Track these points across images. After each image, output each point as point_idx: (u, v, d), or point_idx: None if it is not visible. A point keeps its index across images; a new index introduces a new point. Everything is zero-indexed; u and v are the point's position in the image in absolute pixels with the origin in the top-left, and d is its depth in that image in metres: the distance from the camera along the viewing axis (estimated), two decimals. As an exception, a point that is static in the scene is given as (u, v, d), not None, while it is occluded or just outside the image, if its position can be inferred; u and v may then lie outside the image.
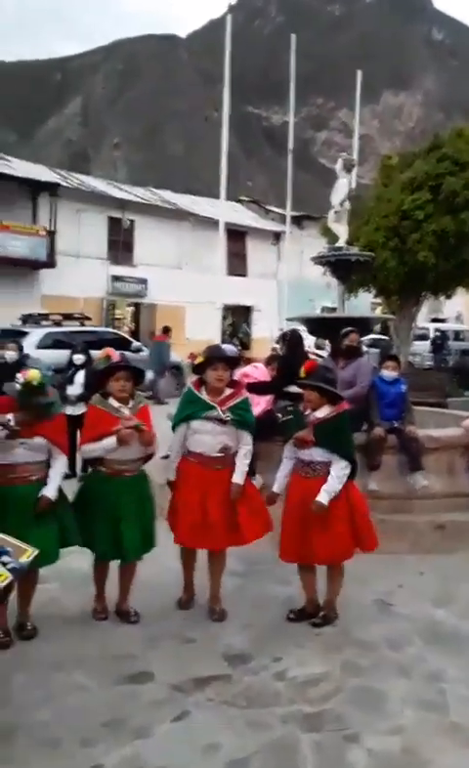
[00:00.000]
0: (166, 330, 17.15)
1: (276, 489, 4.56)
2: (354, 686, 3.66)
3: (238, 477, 4.40)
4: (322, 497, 4.23)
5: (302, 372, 4.47)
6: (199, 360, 4.49)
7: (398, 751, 3.11)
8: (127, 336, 18.46)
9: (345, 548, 4.33)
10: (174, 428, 4.51)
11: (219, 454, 4.39)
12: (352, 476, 4.41)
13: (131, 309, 27.49)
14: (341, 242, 9.04)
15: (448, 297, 18.75)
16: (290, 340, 7.48)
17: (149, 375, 15.45)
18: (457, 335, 25.42)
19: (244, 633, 4.26)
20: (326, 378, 4.50)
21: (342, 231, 9.16)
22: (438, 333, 23.89)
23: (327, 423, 4.34)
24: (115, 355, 4.33)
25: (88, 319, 17.01)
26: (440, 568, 5.54)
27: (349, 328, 6.77)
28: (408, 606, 4.77)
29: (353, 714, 3.39)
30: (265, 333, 26.83)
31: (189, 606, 4.59)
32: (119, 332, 19.34)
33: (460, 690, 3.66)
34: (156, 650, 4.02)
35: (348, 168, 9.47)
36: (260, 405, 6.48)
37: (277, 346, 8.11)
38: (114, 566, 4.45)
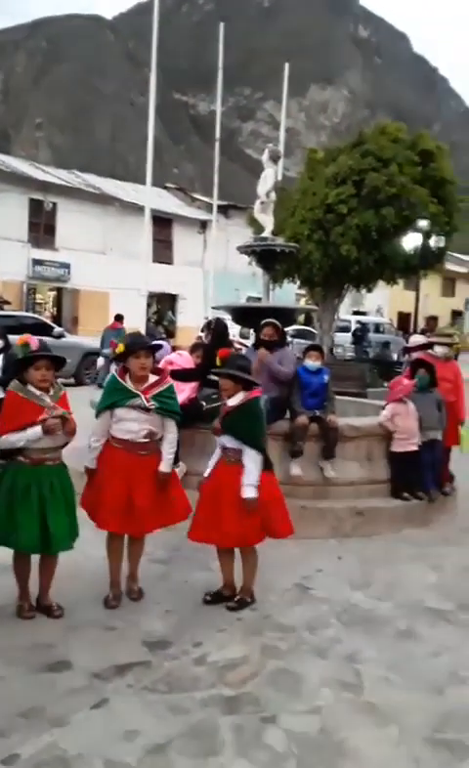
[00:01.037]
0: (119, 318, 16.85)
1: (206, 474, 4.57)
2: (272, 669, 3.71)
3: (165, 465, 4.39)
4: (249, 492, 4.27)
5: (218, 361, 4.48)
6: (121, 348, 4.43)
7: (315, 731, 3.16)
8: (49, 321, 18.08)
9: (252, 533, 4.37)
10: (97, 415, 4.44)
11: (144, 440, 4.37)
12: (266, 465, 4.46)
13: (53, 294, 26.92)
14: (267, 233, 9.07)
15: (370, 290, 19.16)
16: (215, 328, 7.48)
17: (101, 362, 15.22)
18: (377, 328, 26.02)
19: (165, 619, 4.25)
20: (240, 366, 4.52)
21: (268, 221, 9.19)
22: (359, 325, 24.38)
23: (237, 411, 4.39)
24: (34, 342, 4.19)
25: (7, 303, 16.57)
26: (358, 552, 5.67)
27: (266, 321, 6.80)
28: (327, 589, 4.86)
29: (271, 696, 3.43)
30: (191, 322, 26.77)
31: (116, 605, 4.42)
32: (40, 317, 18.91)
33: (375, 670, 3.76)
34: (76, 638, 3.95)
35: (274, 159, 9.49)
36: (184, 392, 6.46)
37: (202, 334, 8.08)
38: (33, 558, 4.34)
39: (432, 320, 19.33)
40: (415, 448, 6.51)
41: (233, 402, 4.44)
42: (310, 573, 5.17)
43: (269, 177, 9.26)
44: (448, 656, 3.99)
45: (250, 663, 3.75)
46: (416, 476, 6.57)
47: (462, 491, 7.35)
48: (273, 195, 9.30)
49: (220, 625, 4.19)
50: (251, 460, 4.34)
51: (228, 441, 4.41)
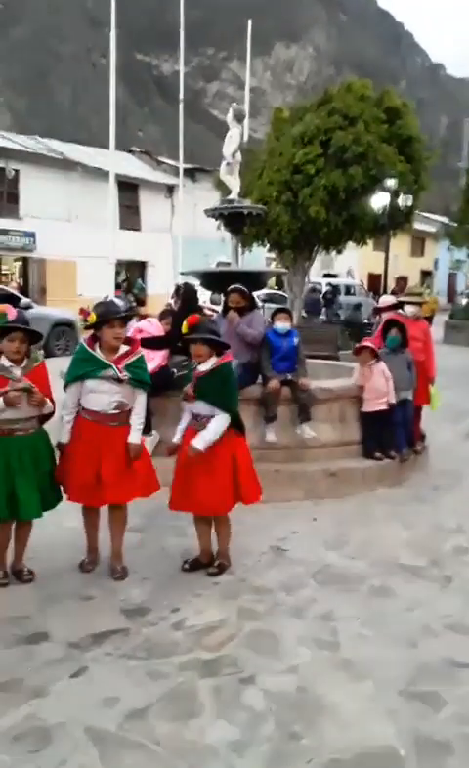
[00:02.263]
0: (119, 287, 16.57)
1: (175, 439, 4.55)
2: (250, 630, 3.75)
3: (134, 436, 4.35)
4: (197, 442, 4.26)
5: (184, 328, 4.43)
6: (93, 317, 4.35)
7: (293, 690, 3.22)
8: (15, 292, 17.75)
9: (224, 500, 4.38)
10: (66, 387, 4.38)
11: (114, 411, 4.32)
12: (239, 429, 4.46)
13: (19, 264, 26.42)
14: (233, 195, 8.93)
15: (339, 252, 19.05)
16: (184, 294, 7.39)
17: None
18: (348, 290, 25.98)
19: (142, 587, 4.27)
20: (212, 330, 4.48)
21: (234, 183, 9.04)
22: (329, 288, 24.31)
23: (209, 376, 4.35)
24: (12, 312, 4.09)
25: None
26: (332, 513, 5.73)
27: (232, 287, 6.72)
28: (302, 551, 4.91)
29: (249, 658, 3.47)
30: (160, 289, 26.50)
31: (91, 568, 4.48)
32: (6, 288, 18.57)
33: (351, 627, 3.82)
34: (53, 609, 3.96)
35: (239, 119, 9.29)
36: (154, 360, 6.41)
37: (172, 300, 7.98)
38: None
39: (401, 281, 19.31)
40: (385, 407, 6.54)
41: (204, 367, 4.41)
42: (285, 535, 5.21)
43: (234, 137, 9.07)
44: (421, 610, 4.06)
45: (228, 626, 3.79)
46: (388, 436, 6.62)
47: (433, 450, 7.44)
48: (238, 156, 9.13)
49: (197, 591, 4.22)
50: (217, 421, 4.32)
51: (200, 407, 4.38)
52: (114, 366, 4.26)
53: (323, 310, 21.77)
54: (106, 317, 4.28)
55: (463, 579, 4.52)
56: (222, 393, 4.41)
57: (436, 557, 4.88)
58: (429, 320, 20.74)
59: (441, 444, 7.76)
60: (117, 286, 15.64)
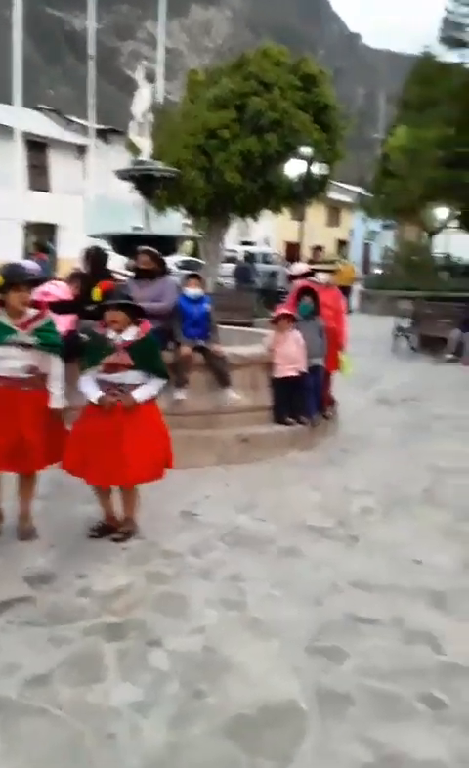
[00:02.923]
0: (42, 249, 15.81)
1: (93, 399, 4.32)
2: (158, 593, 3.74)
3: (55, 402, 4.25)
4: (139, 395, 4.24)
5: (96, 294, 4.32)
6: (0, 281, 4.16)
7: (199, 650, 3.23)
8: None
9: (155, 467, 4.34)
10: None
11: (27, 376, 4.19)
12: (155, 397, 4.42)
13: None
14: (144, 156, 8.71)
15: (255, 219, 19.01)
16: (93, 257, 7.19)
17: None
18: (265, 258, 26.02)
19: (48, 554, 4.18)
20: (125, 297, 4.39)
21: (145, 144, 8.82)
22: (246, 255, 24.29)
23: (139, 344, 4.27)
24: None
25: None
26: (244, 477, 5.77)
27: (142, 248, 6.59)
28: (213, 514, 4.93)
29: (157, 620, 3.46)
30: (72, 252, 25.76)
31: None
32: None
33: (259, 587, 3.87)
34: (-47, 579, 3.83)
35: (150, 77, 9.07)
36: (63, 325, 6.22)
37: (81, 264, 7.76)
38: None
39: (318, 250, 19.42)
40: (296, 373, 6.59)
41: (128, 336, 4.31)
42: (197, 499, 5.21)
43: (144, 96, 8.84)
44: (328, 569, 4.15)
45: (135, 590, 3.76)
46: (299, 401, 6.69)
47: (344, 415, 7.59)
48: (149, 116, 8.91)
49: (105, 557, 4.17)
50: (154, 386, 4.36)
51: (131, 377, 4.29)
52: (20, 331, 4.13)
53: (247, 278, 21.75)
54: (12, 280, 4.13)
55: (368, 539, 4.65)
56: (153, 361, 4.40)
57: (343, 518, 4.99)
58: (347, 289, 21.18)
59: (351, 409, 7.92)
60: (43, 249, 15.00)
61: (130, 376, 4.31)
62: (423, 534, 4.75)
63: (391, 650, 3.32)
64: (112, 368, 4.30)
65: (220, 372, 6.34)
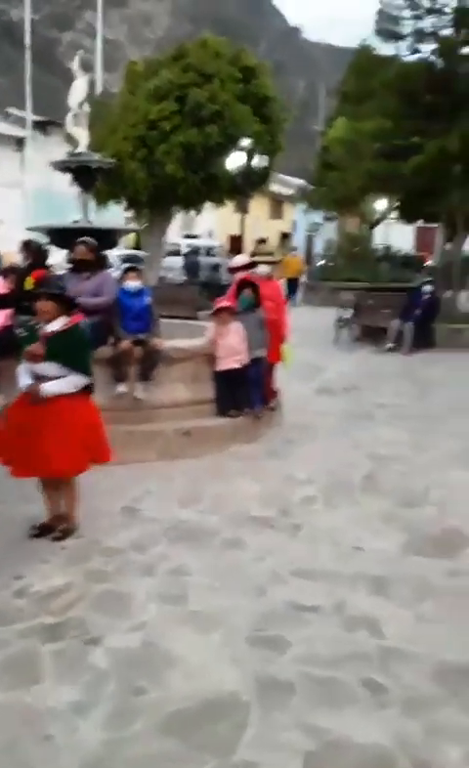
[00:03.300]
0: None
1: (21, 386, 4.25)
2: (98, 592, 3.69)
3: None
4: (49, 387, 4.12)
5: (29, 283, 4.21)
6: None
7: (139, 647, 3.20)
8: None
9: (75, 462, 4.25)
10: None
11: None
12: (89, 391, 4.32)
13: None
14: (81, 148, 8.56)
15: (198, 212, 18.91)
16: (33, 251, 7.06)
17: None
18: (209, 251, 25.93)
19: (-15, 556, 4.08)
20: (59, 287, 4.29)
21: (82, 135, 8.66)
22: (189, 249, 24.16)
23: (61, 336, 4.17)
24: None
25: None
26: (187, 471, 5.73)
27: (79, 239, 6.47)
28: (156, 509, 4.89)
29: (96, 619, 3.41)
30: (11, 247, 25.21)
31: None
32: None
33: (201, 580, 3.85)
34: None
35: (86, 67, 8.91)
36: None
37: (22, 257, 7.61)
38: None
39: (261, 243, 19.52)
40: (238, 365, 6.58)
41: (54, 326, 4.20)
42: (139, 495, 5.16)
43: (80, 86, 8.69)
44: (271, 559, 4.16)
45: (74, 589, 3.70)
46: (242, 393, 6.68)
47: (287, 405, 7.61)
48: (86, 107, 8.75)
49: (43, 556, 4.09)
50: (70, 380, 4.18)
51: (48, 369, 4.19)
52: None
53: (183, 271, 21.64)
54: None
55: (311, 527, 4.67)
56: (75, 355, 4.24)
57: (286, 507, 5.00)
58: (295, 281, 21.26)
59: (294, 400, 7.95)
60: None
61: (48, 368, 4.17)
62: (364, 521, 4.80)
63: (332, 637, 3.35)
64: (32, 358, 4.18)
65: (147, 367, 6.24)
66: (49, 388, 4.12)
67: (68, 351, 4.20)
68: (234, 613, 3.52)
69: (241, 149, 16.36)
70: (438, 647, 3.26)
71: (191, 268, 20.69)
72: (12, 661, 3.04)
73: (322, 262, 27.94)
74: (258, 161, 17.11)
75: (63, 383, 4.15)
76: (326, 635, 3.36)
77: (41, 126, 26.74)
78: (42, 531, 4.38)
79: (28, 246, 7.87)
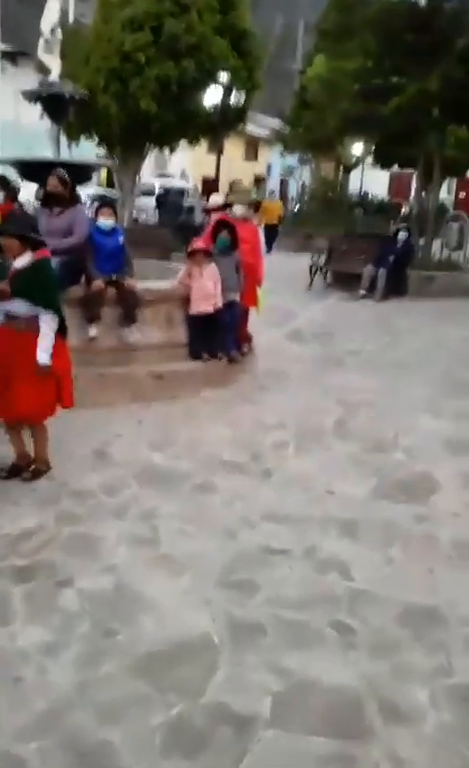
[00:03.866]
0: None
1: None
2: (68, 534, 3.67)
3: None
4: (43, 358, 4.05)
5: None
6: None
7: (110, 588, 3.19)
8: None
9: (47, 406, 4.21)
10: None
11: None
12: (62, 331, 4.21)
13: None
14: (53, 77, 8.17)
15: (172, 151, 18.35)
16: (8, 185, 6.80)
17: None
18: (182, 193, 25.32)
19: (-47, 498, 4.02)
20: (26, 224, 4.12)
21: (54, 63, 8.26)
22: (162, 191, 23.57)
23: (25, 272, 4.03)
24: None
25: None
26: (159, 415, 5.68)
27: (53, 171, 6.21)
28: (126, 453, 4.85)
29: (66, 561, 3.39)
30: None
31: None
32: None
33: (171, 524, 3.84)
34: None
35: (58, -9, 8.41)
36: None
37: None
38: None
39: (235, 185, 19.09)
40: (211, 309, 6.46)
41: (20, 263, 4.06)
42: (109, 438, 5.10)
43: (52, 10, 8.23)
44: (241, 503, 4.16)
45: (45, 531, 3.68)
46: (216, 337, 6.59)
47: (260, 351, 7.55)
48: (58, 33, 8.31)
49: (14, 498, 4.05)
50: (47, 324, 4.08)
51: (18, 306, 4.06)
52: None
53: (156, 212, 21.15)
54: None
55: (281, 472, 4.68)
56: (43, 291, 4.13)
57: (257, 452, 5.00)
58: (274, 227, 20.83)
59: (267, 345, 7.88)
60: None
61: (16, 305, 4.08)
62: (335, 466, 4.83)
63: (302, 579, 3.38)
64: (2, 295, 4.07)
65: (129, 308, 6.13)
66: (43, 354, 4.03)
67: (36, 287, 4.08)
68: (204, 556, 3.52)
69: (218, 85, 15.80)
70: (405, 590, 3.31)
71: (173, 209, 20.18)
72: (-19, 602, 3.01)
73: (296, 207, 27.46)
74: (235, 98, 16.56)
75: (46, 338, 4.04)
76: (296, 578, 3.39)
77: (10, 57, 25.50)
78: (10, 472, 4.32)
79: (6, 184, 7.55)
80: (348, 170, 27.73)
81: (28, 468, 4.33)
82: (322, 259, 13.97)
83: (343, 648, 2.88)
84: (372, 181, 30.73)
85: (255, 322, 7.63)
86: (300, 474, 4.66)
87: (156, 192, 23.17)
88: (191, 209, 21.09)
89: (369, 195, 27.28)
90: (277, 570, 3.45)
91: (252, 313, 7.44)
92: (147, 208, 21.13)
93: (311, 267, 13.83)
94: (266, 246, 15.31)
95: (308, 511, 4.10)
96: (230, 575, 3.37)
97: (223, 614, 3.04)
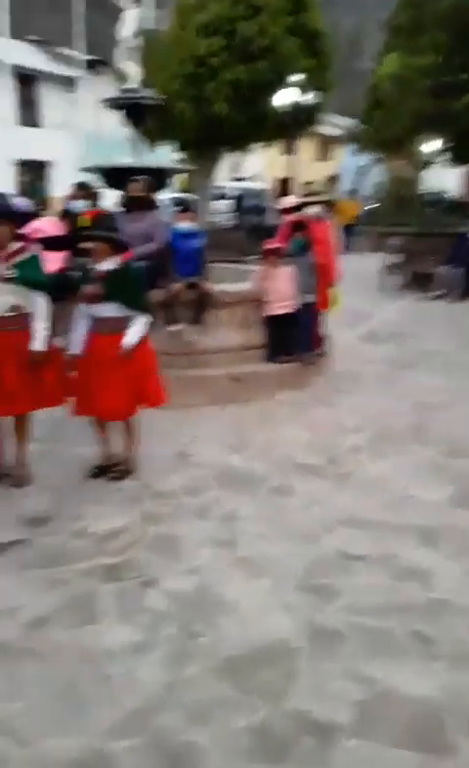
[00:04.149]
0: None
1: (74, 350, 4.33)
2: (153, 534, 3.76)
3: (37, 343, 4.12)
4: (127, 341, 4.20)
5: (84, 221, 4.19)
6: None
7: (193, 590, 3.26)
8: None
9: (128, 405, 4.32)
10: None
11: (10, 314, 4.08)
12: (147, 333, 4.34)
13: None
14: (132, 83, 8.34)
15: (245, 153, 18.45)
16: (91, 192, 7.01)
17: None
18: (256, 194, 25.36)
19: (44, 496, 4.18)
20: (114, 228, 4.25)
21: (133, 69, 8.43)
22: (238, 192, 23.70)
23: (115, 275, 4.16)
24: None
25: None
26: (236, 417, 5.75)
27: (134, 177, 6.38)
28: (205, 455, 4.93)
29: (152, 561, 3.49)
30: (64, 188, 24.84)
31: None
32: None
33: (250, 527, 3.89)
34: None
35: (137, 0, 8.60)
36: (55, 263, 6.06)
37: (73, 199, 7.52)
38: None
39: (309, 186, 19.06)
40: (289, 310, 6.49)
41: (107, 266, 4.20)
42: (188, 440, 5.20)
43: (131, 18, 8.41)
44: (319, 507, 4.17)
45: (131, 531, 3.78)
46: (292, 339, 6.61)
47: (335, 353, 7.53)
48: (137, 40, 8.48)
49: (100, 498, 4.18)
50: (139, 323, 4.24)
51: (108, 309, 4.20)
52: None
53: (237, 215, 21.28)
54: None
55: (358, 476, 4.67)
56: (134, 293, 4.28)
57: (333, 456, 4.99)
58: (351, 227, 20.64)
59: (341, 347, 7.85)
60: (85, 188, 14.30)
61: (107, 308, 4.21)
62: (413, 471, 4.77)
63: (381, 587, 3.36)
64: (89, 299, 4.21)
65: (198, 310, 6.23)
66: (129, 341, 4.17)
67: (125, 289, 4.21)
68: (282, 559, 3.55)
69: (291, 86, 15.79)
70: (487, 601, 3.26)
71: (249, 211, 20.31)
72: (71, 600, 3.13)
73: (370, 206, 27.12)
74: (308, 98, 16.51)
75: (136, 330, 4.18)
76: (375, 585, 3.38)
77: (91, 66, 26.04)
78: (100, 472, 4.47)
79: (82, 188, 7.79)
80: (421, 168, 27.23)
81: (115, 468, 4.46)
82: (396, 259, 13.80)
83: (424, 658, 2.86)
84: (448, 178, 30.06)
85: (329, 324, 7.61)
86: (377, 478, 4.63)
87: (227, 194, 23.29)
88: (263, 210, 21.14)
89: (442, 193, 26.69)
90: (356, 576, 3.45)
91: (326, 314, 7.42)
92: (220, 211, 21.26)
93: (384, 267, 13.68)
94: (343, 246, 15.21)
95: (386, 517, 4.07)
96: (309, 579, 3.39)
97: (302, 619, 3.06)
